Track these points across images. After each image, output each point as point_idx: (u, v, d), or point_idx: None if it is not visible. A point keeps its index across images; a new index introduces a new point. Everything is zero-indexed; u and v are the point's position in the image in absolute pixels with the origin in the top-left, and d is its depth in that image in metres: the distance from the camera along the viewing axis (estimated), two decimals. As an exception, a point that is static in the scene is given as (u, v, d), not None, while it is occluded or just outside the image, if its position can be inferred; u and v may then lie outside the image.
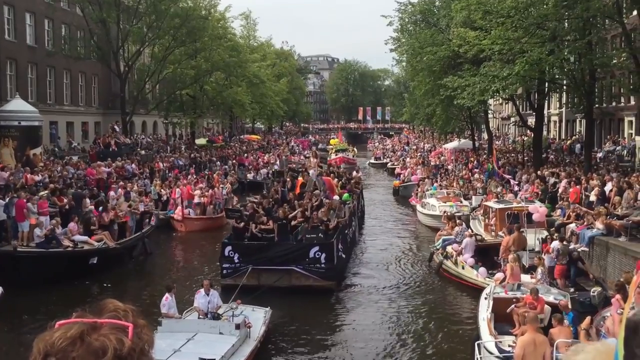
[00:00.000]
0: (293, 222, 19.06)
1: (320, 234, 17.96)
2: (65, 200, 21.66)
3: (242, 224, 19.19)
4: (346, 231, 20.77)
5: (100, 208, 21.67)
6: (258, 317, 13.60)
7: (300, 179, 25.71)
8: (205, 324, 12.58)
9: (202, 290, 13.51)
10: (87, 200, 22.70)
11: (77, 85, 41.57)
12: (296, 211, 19.78)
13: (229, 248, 17.55)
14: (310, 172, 26.62)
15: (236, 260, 17.28)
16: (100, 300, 1.41)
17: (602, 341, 1.33)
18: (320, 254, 17.13)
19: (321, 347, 13.89)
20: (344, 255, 19.44)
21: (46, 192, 21.56)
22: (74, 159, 30.79)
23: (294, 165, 43.31)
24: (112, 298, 1.44)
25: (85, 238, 19.45)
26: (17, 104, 28.52)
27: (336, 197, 22.56)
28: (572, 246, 17.42)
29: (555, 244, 16.85)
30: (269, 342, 13.61)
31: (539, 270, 15.54)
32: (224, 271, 17.42)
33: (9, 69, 34.36)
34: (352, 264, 21.12)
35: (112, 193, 25.16)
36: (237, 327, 12.22)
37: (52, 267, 17.82)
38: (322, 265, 17.12)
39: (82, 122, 42.11)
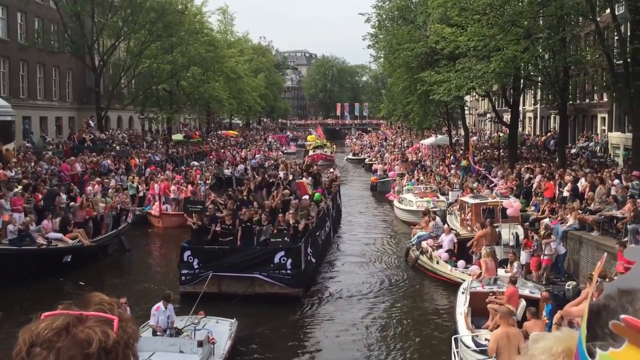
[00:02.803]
0: (255, 218, 17.91)
1: (286, 238, 16.75)
2: (40, 197, 21.39)
3: (201, 221, 17.69)
4: (317, 233, 19.75)
5: (72, 203, 21.43)
6: (223, 331, 12.48)
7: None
8: (163, 342, 11.25)
9: (161, 305, 12.09)
10: (63, 196, 22.40)
11: (50, 80, 40.91)
12: (260, 212, 18.45)
13: (187, 253, 16.41)
14: (281, 173, 26.07)
15: (196, 266, 16.18)
16: (75, 297, 1.41)
17: (562, 329, 1.37)
18: (286, 259, 16.07)
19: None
20: (313, 260, 18.39)
21: (20, 188, 21.22)
22: (47, 154, 30.35)
23: (271, 163, 43.25)
24: (93, 292, 1.45)
25: (59, 235, 19.20)
26: (-11, 99, 28.03)
27: (306, 197, 21.61)
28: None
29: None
30: (235, 358, 12.57)
31: (515, 264, 15.82)
32: (183, 277, 16.27)
33: (-20, 63, 33.70)
34: (324, 267, 20.39)
35: (89, 189, 24.88)
36: (200, 344, 11.11)
37: (25, 264, 17.58)
38: (288, 272, 16.04)
39: (56, 117, 41.46)
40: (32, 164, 26.85)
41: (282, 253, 16.17)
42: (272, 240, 16.86)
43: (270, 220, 18.01)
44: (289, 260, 16.09)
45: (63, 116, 42.41)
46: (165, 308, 12.09)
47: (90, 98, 41.79)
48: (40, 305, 1.40)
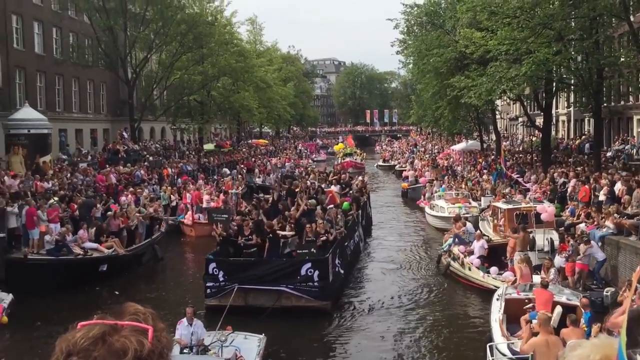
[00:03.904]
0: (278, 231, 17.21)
1: (313, 249, 16.24)
2: (75, 207, 21.86)
3: (226, 233, 17.25)
4: (346, 243, 19.30)
5: (109, 213, 21.82)
6: (251, 347, 11.90)
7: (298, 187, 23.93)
8: None
9: (184, 320, 11.65)
10: (99, 207, 22.82)
11: (85, 93, 41.84)
12: (284, 223, 17.87)
13: (213, 265, 16.03)
14: (309, 182, 25.37)
15: (221, 279, 15.80)
16: (110, 306, 1.44)
17: (600, 336, 1.35)
18: (312, 271, 15.54)
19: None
20: (342, 271, 17.86)
21: (55, 199, 21.69)
22: (82, 165, 31.01)
23: (301, 170, 43.29)
24: (128, 302, 1.47)
25: (95, 245, 19.57)
26: (27, 112, 28.77)
27: (331, 207, 20.91)
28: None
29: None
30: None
31: (552, 270, 15.53)
32: (208, 290, 15.94)
33: (18, 78, 34.64)
34: (354, 277, 19.95)
35: (123, 199, 25.32)
36: None
37: (63, 274, 17.93)
38: (315, 284, 15.53)
39: (90, 129, 42.40)
40: (68, 175, 27.46)
41: (309, 265, 15.66)
42: (298, 251, 16.37)
43: (296, 232, 17.43)
44: (316, 272, 15.57)
45: (98, 128, 43.32)
46: (190, 324, 11.61)
47: (123, 110, 42.60)
48: (77, 315, 1.43)
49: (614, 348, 0.97)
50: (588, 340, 1.13)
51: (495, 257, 18.93)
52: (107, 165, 31.94)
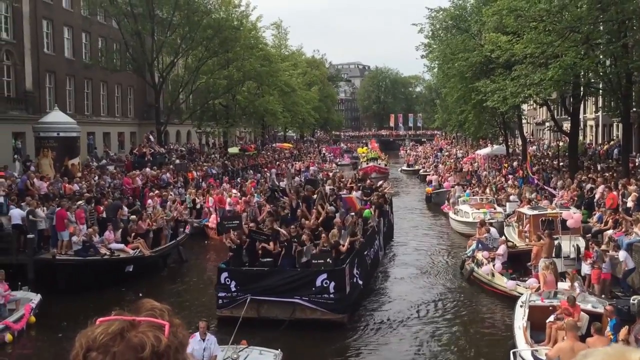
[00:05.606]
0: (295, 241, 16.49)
1: (329, 259, 15.49)
2: (102, 209, 22.23)
3: (239, 240, 16.72)
4: (365, 253, 18.58)
5: (133, 217, 22.11)
6: None
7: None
8: None
9: (197, 335, 10.95)
10: (125, 209, 23.15)
11: (113, 97, 42.52)
12: (302, 232, 17.00)
13: (225, 274, 15.51)
14: (327, 188, 24.31)
15: (233, 289, 15.28)
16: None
17: (613, 345, 1.33)
18: (328, 282, 14.91)
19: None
20: (360, 281, 17.10)
21: (82, 201, 22.05)
22: (110, 168, 31.50)
23: (325, 175, 43.22)
24: (145, 299, 1.52)
25: (121, 246, 19.87)
26: (56, 116, 29.31)
27: (352, 214, 20.01)
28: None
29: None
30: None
31: (576, 283, 15.29)
32: (220, 301, 15.43)
33: (48, 82, 35.37)
34: (374, 286, 19.35)
35: (149, 201, 25.63)
36: None
37: (90, 274, 18.25)
38: (331, 296, 14.90)
39: (118, 133, 43.04)
40: (96, 177, 27.90)
41: (325, 275, 15.02)
42: (314, 261, 15.64)
43: (312, 240, 16.69)
44: (332, 284, 14.97)
45: (125, 131, 43.96)
46: (202, 339, 10.98)
47: (150, 114, 43.16)
48: (103, 315, 1.47)
49: (627, 357, 0.98)
50: (601, 348, 1.14)
51: (519, 263, 18.73)
52: (134, 168, 32.39)
